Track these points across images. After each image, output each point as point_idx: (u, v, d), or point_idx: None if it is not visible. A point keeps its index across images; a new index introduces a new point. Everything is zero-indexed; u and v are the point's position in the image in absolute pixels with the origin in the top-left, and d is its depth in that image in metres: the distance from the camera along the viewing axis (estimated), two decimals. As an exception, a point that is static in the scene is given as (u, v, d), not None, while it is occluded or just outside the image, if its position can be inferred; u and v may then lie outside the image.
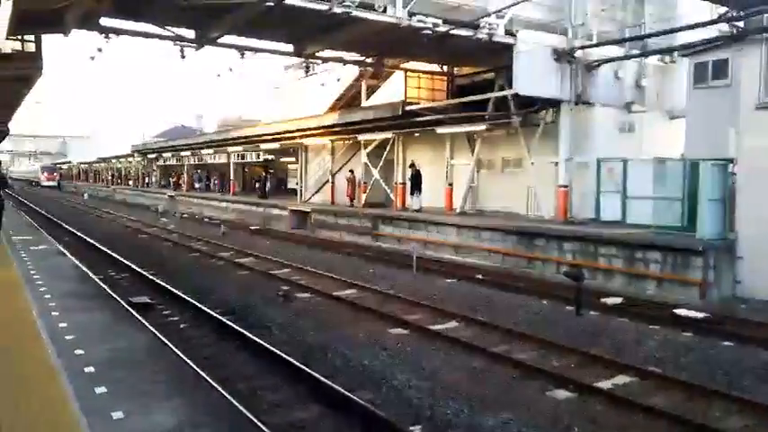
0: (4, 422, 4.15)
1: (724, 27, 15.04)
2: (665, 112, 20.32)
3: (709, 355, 8.86)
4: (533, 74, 17.17)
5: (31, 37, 13.63)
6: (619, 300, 12.44)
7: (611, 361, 8.48)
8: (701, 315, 10.99)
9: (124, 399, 6.05)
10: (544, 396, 7.31)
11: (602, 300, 12.31)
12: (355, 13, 13.83)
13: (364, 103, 27.56)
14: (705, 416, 6.74)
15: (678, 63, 19.74)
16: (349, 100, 29.72)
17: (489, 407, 6.89)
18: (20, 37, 13.22)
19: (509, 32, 16.62)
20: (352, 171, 26.99)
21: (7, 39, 10.63)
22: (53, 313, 8.87)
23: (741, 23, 13.96)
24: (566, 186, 18.00)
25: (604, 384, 7.66)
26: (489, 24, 15.93)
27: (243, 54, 16.91)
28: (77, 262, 14.06)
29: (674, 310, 11.34)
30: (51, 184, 78.72)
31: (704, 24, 15.02)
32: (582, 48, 17.76)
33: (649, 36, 18.40)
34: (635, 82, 19.65)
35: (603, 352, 8.96)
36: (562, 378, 7.78)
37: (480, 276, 15.13)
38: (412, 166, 23.22)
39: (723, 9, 14.34)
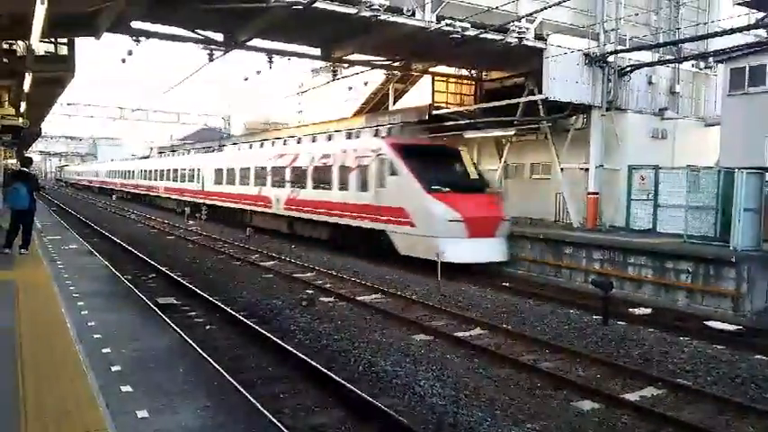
0: (31, 419, 4.20)
1: (761, 32, 14.69)
2: (699, 119, 19.91)
3: (742, 368, 8.62)
4: (564, 79, 16.98)
5: (64, 39, 13.93)
6: (648, 310, 12.21)
7: (639, 372, 8.30)
8: (733, 327, 10.74)
9: (149, 398, 6.10)
10: (569, 406, 7.17)
11: (631, 310, 12.09)
12: (383, 16, 13.83)
13: (391, 108, 27.54)
14: (737, 431, 6.55)
15: (713, 69, 19.33)
16: (376, 104, 29.71)
17: (513, 416, 6.78)
18: (53, 40, 13.53)
19: (539, 37, 16.48)
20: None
21: (41, 41, 10.85)
22: (82, 312, 9.00)
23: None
24: (596, 193, 17.71)
25: (632, 396, 7.49)
26: (519, 28, 15.81)
27: (271, 57, 17.06)
28: (105, 262, 14.28)
29: (706, 322, 11.08)
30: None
31: (741, 29, 14.68)
32: (614, 53, 17.49)
33: (684, 41, 18.04)
34: (669, 88, 19.32)
35: (631, 363, 8.78)
36: (588, 389, 7.63)
37: (506, 284, 14.97)
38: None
39: (760, 14, 14.00)
